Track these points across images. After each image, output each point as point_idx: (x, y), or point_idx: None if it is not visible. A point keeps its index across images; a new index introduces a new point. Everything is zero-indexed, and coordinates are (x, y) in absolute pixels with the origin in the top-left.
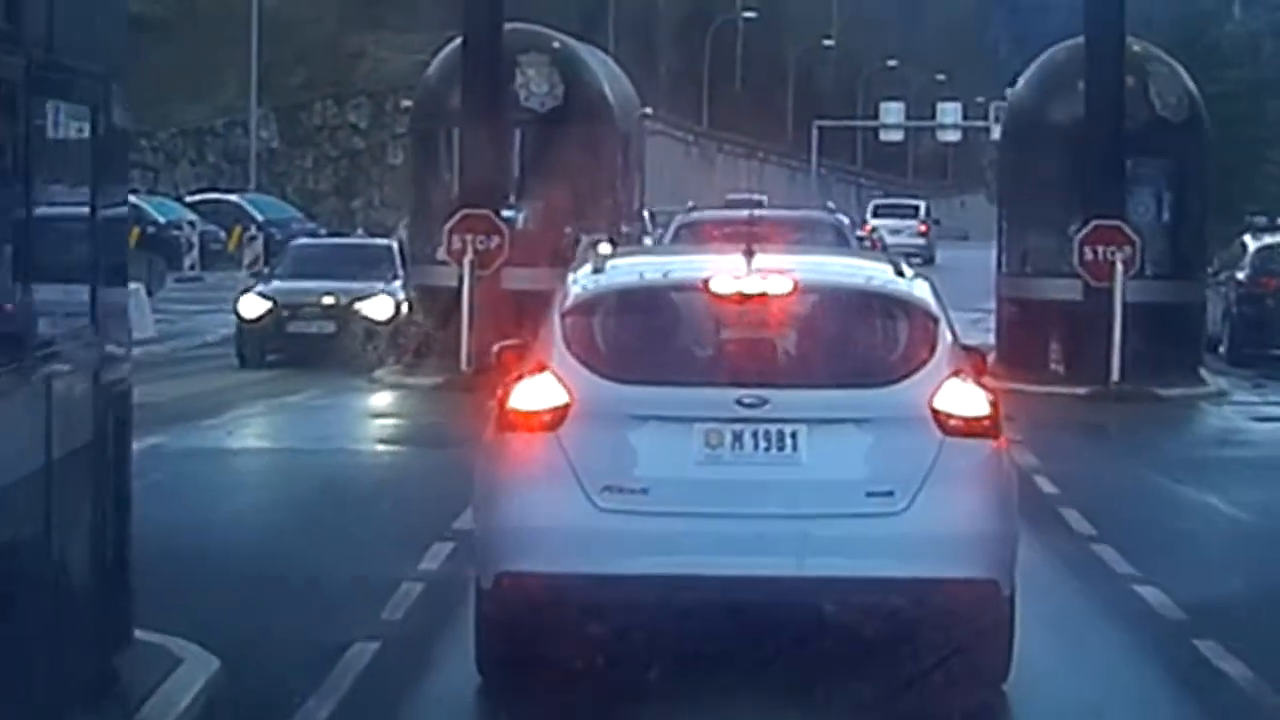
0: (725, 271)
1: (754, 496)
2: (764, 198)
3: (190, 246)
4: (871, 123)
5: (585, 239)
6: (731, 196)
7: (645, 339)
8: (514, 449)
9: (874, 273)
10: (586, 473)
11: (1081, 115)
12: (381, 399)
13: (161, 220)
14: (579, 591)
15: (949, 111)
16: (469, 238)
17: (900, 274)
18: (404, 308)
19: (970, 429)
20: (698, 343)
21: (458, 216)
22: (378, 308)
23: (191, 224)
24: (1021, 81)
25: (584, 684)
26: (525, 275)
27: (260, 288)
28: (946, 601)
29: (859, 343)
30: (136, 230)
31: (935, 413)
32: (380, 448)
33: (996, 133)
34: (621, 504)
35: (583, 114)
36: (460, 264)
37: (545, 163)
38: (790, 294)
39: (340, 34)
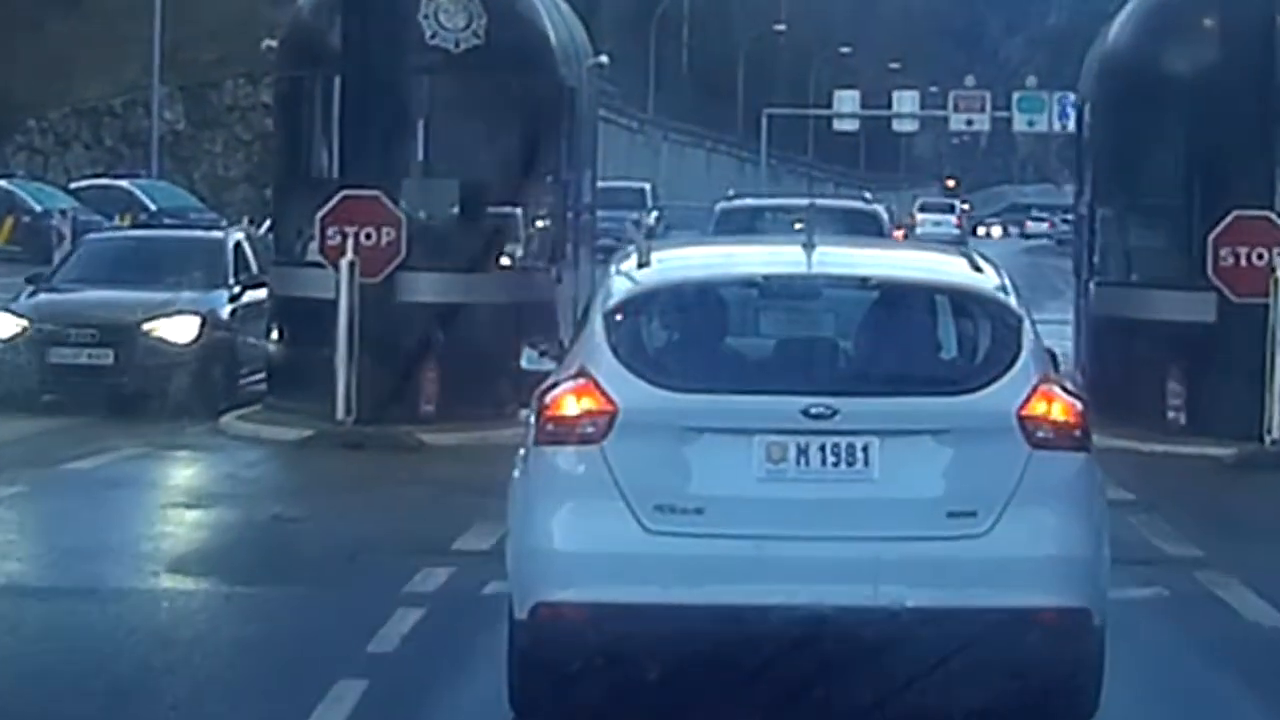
0: (784, 266)
1: (821, 517)
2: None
3: (61, 238)
4: (825, 111)
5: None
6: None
7: (698, 341)
8: (553, 464)
9: (948, 266)
10: (634, 491)
11: (1214, 66)
12: (211, 468)
13: (38, 209)
14: (625, 622)
15: (906, 100)
16: (350, 230)
17: (977, 268)
18: (221, 327)
19: (1061, 440)
20: (757, 346)
21: (336, 200)
22: (176, 329)
23: (64, 212)
24: (1118, 25)
25: None
26: (431, 284)
27: (19, 301)
28: (1034, 632)
29: (935, 345)
30: (11, 220)
31: (1023, 422)
32: (175, 582)
33: (956, 123)
34: (674, 525)
35: (513, 58)
36: (337, 267)
37: (460, 124)
38: (858, 290)
39: (255, 7)
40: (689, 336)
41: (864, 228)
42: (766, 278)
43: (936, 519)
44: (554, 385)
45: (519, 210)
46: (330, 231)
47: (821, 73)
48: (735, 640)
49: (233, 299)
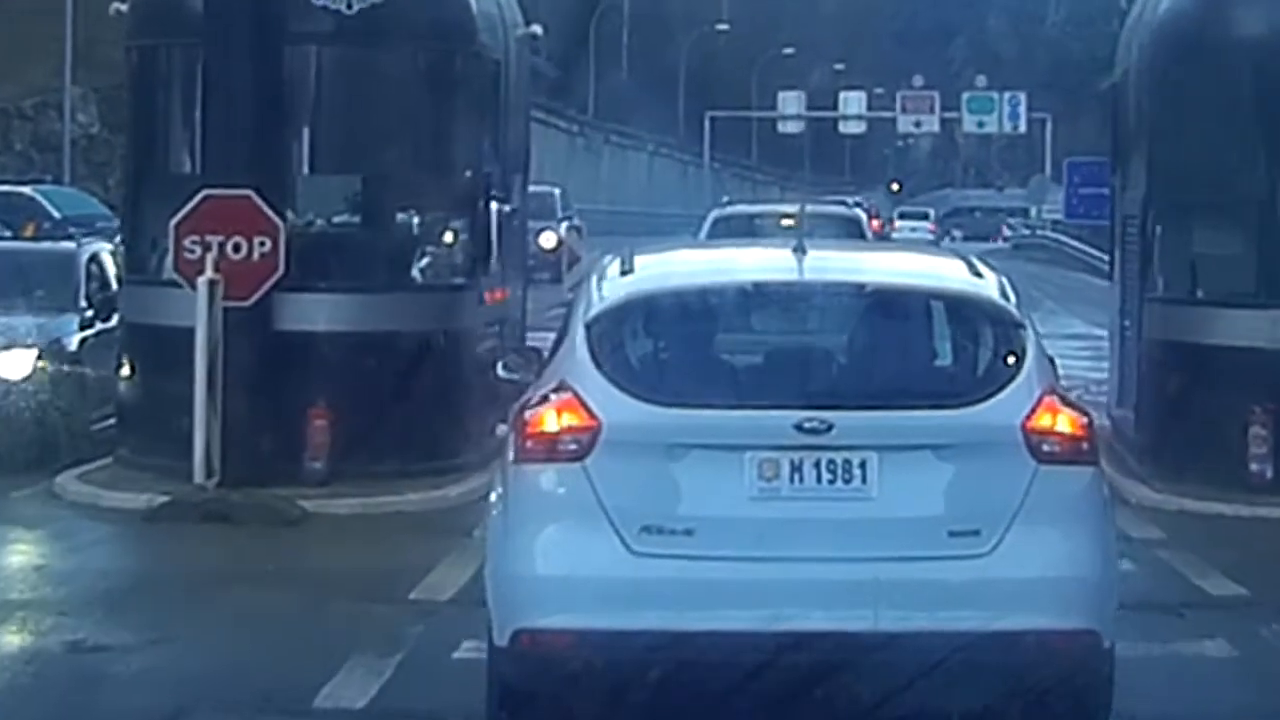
0: (776, 272)
1: (817, 538)
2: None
3: None
4: (769, 113)
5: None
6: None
7: (685, 352)
8: (533, 483)
9: (946, 270)
10: (619, 511)
11: None
12: (18, 554)
13: None
14: (610, 650)
15: (853, 101)
16: (214, 240)
17: (977, 273)
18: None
19: (1068, 455)
20: (747, 357)
21: (194, 202)
22: (4, 365)
23: None
24: None
25: None
26: (319, 308)
27: None
28: (1041, 655)
29: (934, 354)
30: None
31: (1028, 436)
32: None
33: (904, 124)
34: (661, 547)
35: (422, 22)
36: (195, 286)
37: (356, 106)
38: (853, 297)
39: None
40: (675, 348)
41: (849, 233)
42: (757, 285)
43: (938, 538)
44: (533, 400)
45: (430, 215)
46: (188, 242)
47: (765, 74)
48: (727, 668)
49: (84, 326)
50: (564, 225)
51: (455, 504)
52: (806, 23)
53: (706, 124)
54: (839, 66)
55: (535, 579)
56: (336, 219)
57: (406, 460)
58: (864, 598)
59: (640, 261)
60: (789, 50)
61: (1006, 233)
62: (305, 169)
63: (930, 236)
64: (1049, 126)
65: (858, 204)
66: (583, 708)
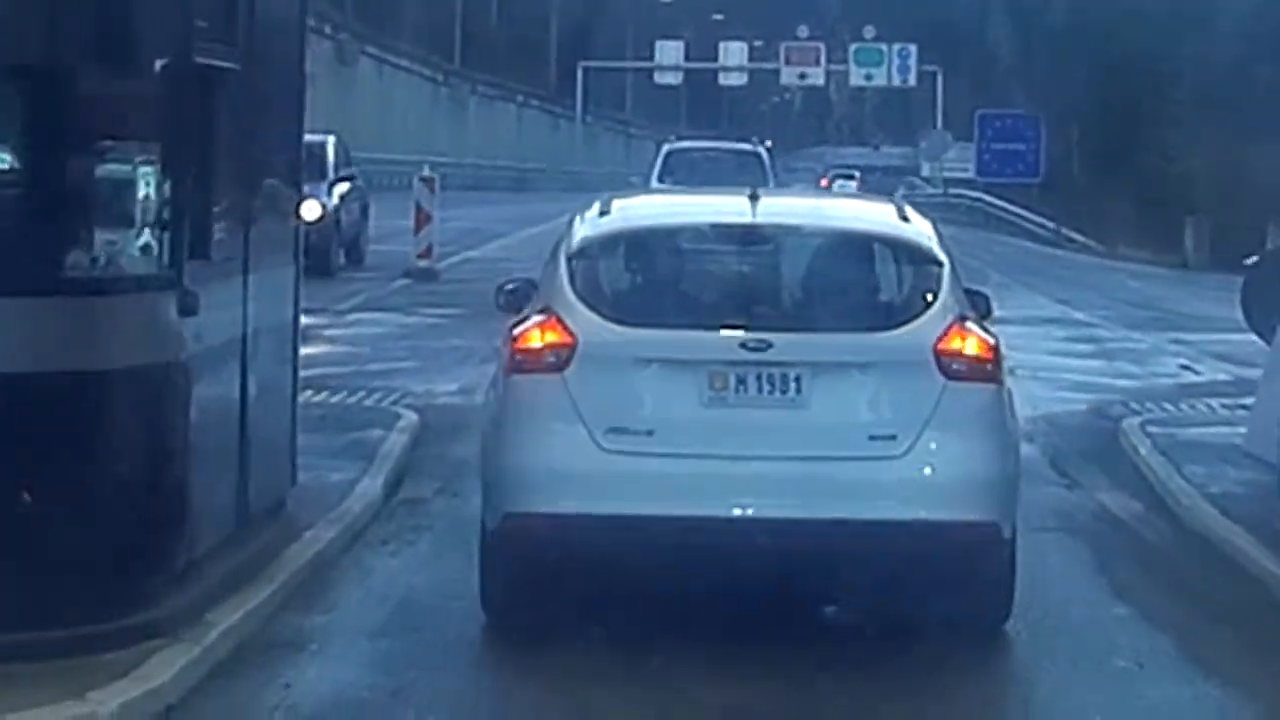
0: (731, 215)
1: (758, 439)
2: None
3: None
4: (646, 64)
5: None
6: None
7: (650, 282)
8: (520, 391)
9: (878, 216)
10: (591, 414)
11: None
12: None
13: None
14: (584, 532)
15: (734, 52)
16: None
17: (905, 218)
18: None
19: (973, 374)
20: (703, 286)
21: None
22: None
23: None
24: None
25: (588, 624)
26: None
27: None
28: (948, 543)
29: (863, 287)
30: None
31: (939, 357)
32: None
33: (788, 76)
34: (626, 445)
35: None
36: None
37: None
38: (796, 237)
39: None
40: (643, 278)
41: (751, 165)
42: (714, 225)
43: (860, 441)
44: (522, 320)
45: (109, 168)
46: None
47: (641, 24)
48: (681, 547)
49: None
50: (337, 189)
51: None
52: None
53: (579, 75)
54: (718, 17)
55: (521, 470)
56: None
57: (25, 624)
58: (796, 489)
59: (616, 205)
60: None
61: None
62: None
63: (854, 189)
64: (939, 80)
65: (761, 142)
66: (561, 580)
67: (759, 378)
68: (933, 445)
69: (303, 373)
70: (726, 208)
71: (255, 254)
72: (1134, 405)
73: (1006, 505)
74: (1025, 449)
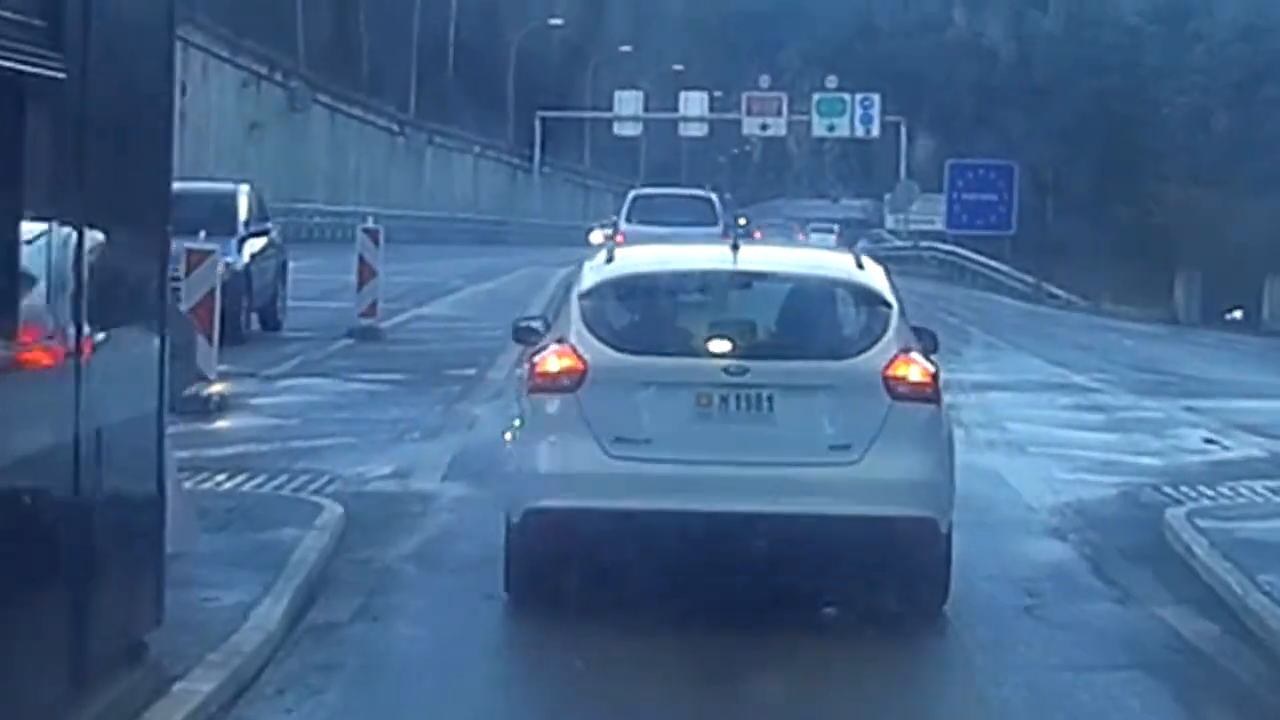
0: (716, 262)
1: (737, 447)
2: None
3: None
4: (605, 114)
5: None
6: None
7: (648, 317)
8: (539, 407)
9: (839, 265)
10: (600, 426)
11: None
12: None
13: None
14: (593, 523)
15: (694, 102)
16: None
17: (860, 266)
18: None
19: (915, 395)
20: (692, 321)
21: None
22: None
23: None
24: None
25: (597, 599)
26: None
27: None
28: (894, 535)
29: (826, 323)
30: None
31: (886, 381)
32: None
33: (749, 127)
34: (629, 452)
35: None
36: None
37: None
38: (770, 281)
39: None
40: (642, 314)
41: (703, 207)
42: (703, 271)
43: (820, 450)
44: (541, 349)
45: None
46: None
47: (601, 74)
48: (674, 536)
49: None
50: (248, 246)
51: None
52: (646, 21)
53: (537, 125)
54: (678, 67)
55: (541, 473)
56: None
57: None
58: (768, 489)
59: (619, 254)
60: (626, 48)
61: (863, 244)
62: None
63: (834, 242)
64: (903, 131)
65: (714, 189)
66: (574, 565)
67: (738, 397)
68: (881, 454)
69: (216, 452)
70: (713, 256)
71: (96, 325)
72: (1168, 490)
73: (943, 504)
74: (1060, 550)
